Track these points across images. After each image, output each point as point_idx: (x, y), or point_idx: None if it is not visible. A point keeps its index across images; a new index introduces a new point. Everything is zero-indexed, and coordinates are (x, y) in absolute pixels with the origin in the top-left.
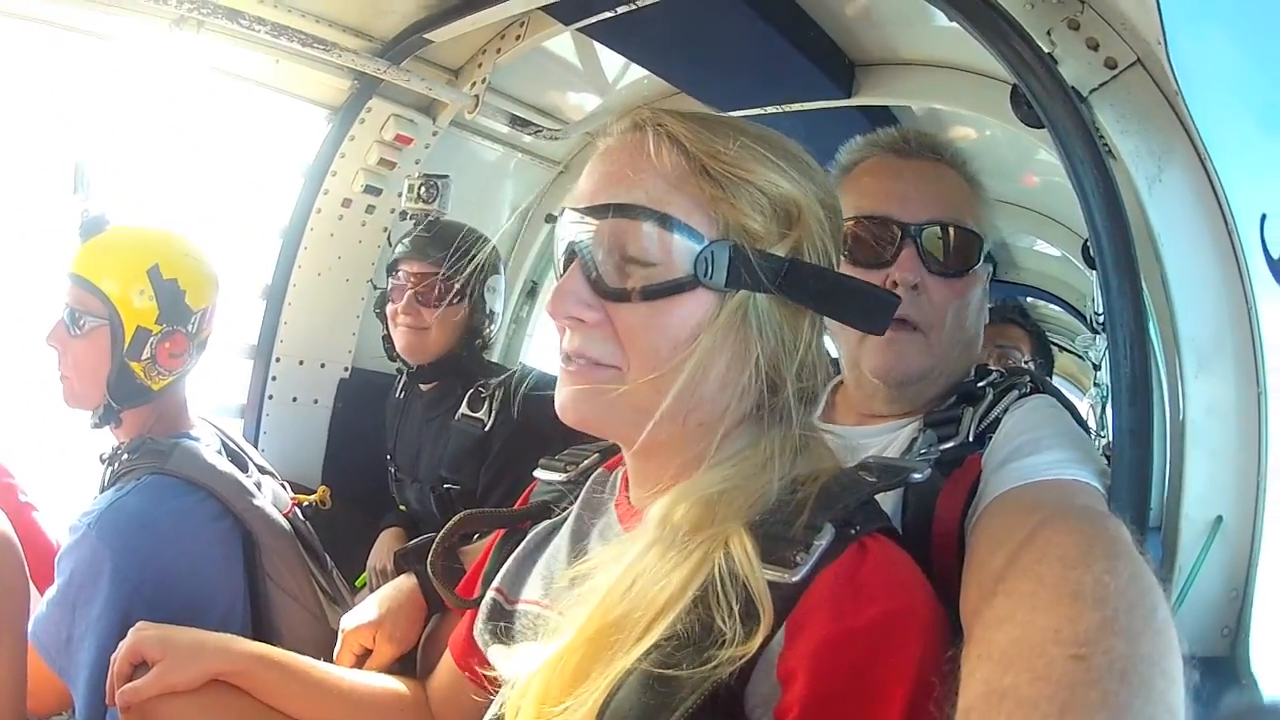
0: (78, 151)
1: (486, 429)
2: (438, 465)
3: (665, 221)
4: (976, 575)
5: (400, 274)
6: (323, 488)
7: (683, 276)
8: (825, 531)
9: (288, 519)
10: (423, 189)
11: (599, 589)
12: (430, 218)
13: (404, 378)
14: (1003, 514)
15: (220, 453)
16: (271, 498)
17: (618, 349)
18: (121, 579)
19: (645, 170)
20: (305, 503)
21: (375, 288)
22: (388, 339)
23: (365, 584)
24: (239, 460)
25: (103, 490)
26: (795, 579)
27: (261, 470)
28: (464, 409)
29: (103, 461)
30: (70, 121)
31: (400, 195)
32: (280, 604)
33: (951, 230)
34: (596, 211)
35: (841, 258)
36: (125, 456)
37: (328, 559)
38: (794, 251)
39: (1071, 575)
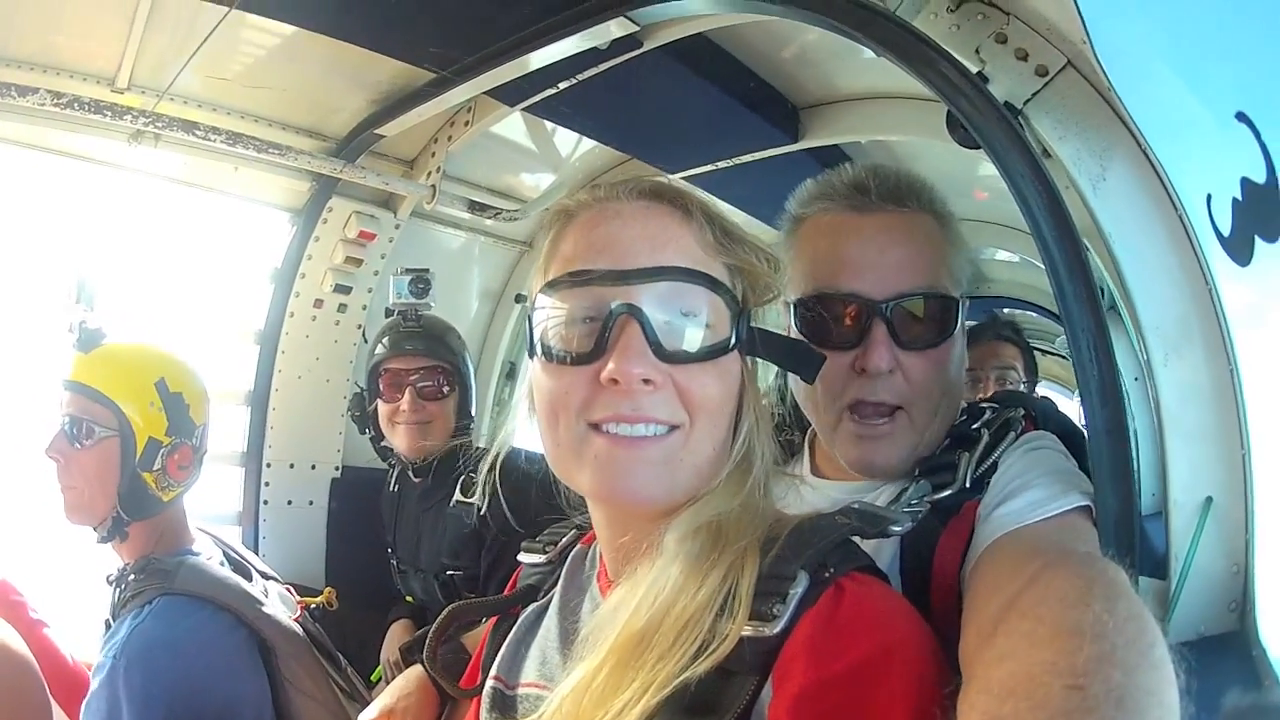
0: (79, 265)
1: (482, 513)
2: (438, 553)
3: (716, 286)
4: (975, 620)
5: (392, 372)
6: (328, 589)
7: (726, 338)
8: (800, 579)
9: (298, 623)
10: (413, 283)
11: (624, 606)
12: (418, 312)
13: (395, 471)
14: (999, 559)
15: (223, 564)
16: (279, 603)
17: (681, 409)
18: (155, 704)
19: (683, 237)
20: (313, 605)
21: (359, 388)
22: (377, 439)
23: (380, 678)
24: (242, 569)
25: (112, 613)
26: (775, 631)
27: (265, 576)
28: (458, 495)
29: (109, 584)
30: (50, 237)
31: (370, 291)
32: (301, 706)
33: (925, 301)
34: (648, 274)
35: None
36: (132, 578)
37: (340, 657)
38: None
39: (1070, 614)
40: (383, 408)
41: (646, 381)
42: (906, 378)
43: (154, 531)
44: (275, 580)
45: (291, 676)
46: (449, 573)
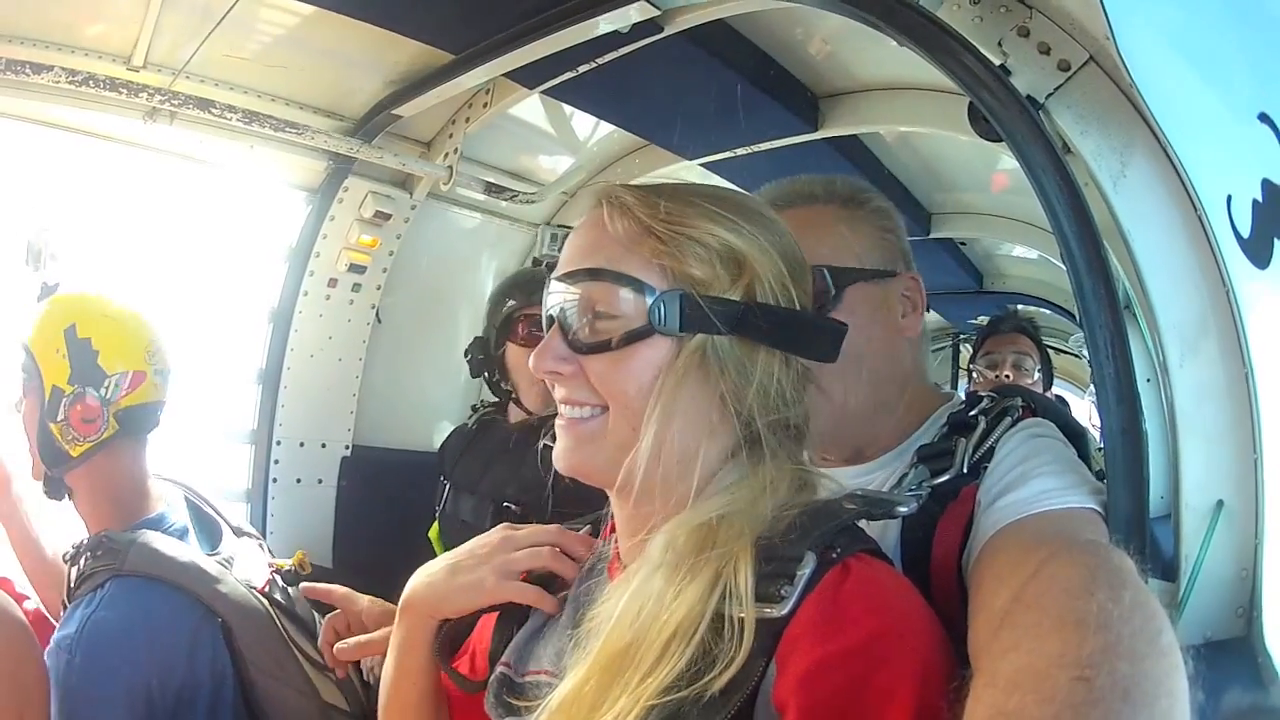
0: (32, 229)
1: None
2: (505, 483)
3: (620, 279)
4: (982, 612)
5: (533, 318)
6: (300, 552)
7: (640, 326)
8: (807, 560)
9: (263, 593)
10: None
11: (609, 617)
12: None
13: (485, 413)
14: (1004, 550)
15: (186, 531)
16: (245, 571)
17: (594, 393)
18: (112, 699)
19: (605, 238)
20: (284, 569)
21: (492, 329)
22: (499, 381)
23: None
24: (212, 527)
25: (68, 594)
26: (783, 612)
27: (239, 533)
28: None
29: (65, 561)
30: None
31: (384, 271)
32: (263, 686)
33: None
34: (568, 278)
35: (808, 300)
36: (85, 558)
37: (317, 624)
38: (748, 295)
39: (1075, 604)
40: (517, 352)
41: (555, 373)
42: None
43: (98, 494)
44: (250, 535)
45: (251, 656)
46: (507, 504)
